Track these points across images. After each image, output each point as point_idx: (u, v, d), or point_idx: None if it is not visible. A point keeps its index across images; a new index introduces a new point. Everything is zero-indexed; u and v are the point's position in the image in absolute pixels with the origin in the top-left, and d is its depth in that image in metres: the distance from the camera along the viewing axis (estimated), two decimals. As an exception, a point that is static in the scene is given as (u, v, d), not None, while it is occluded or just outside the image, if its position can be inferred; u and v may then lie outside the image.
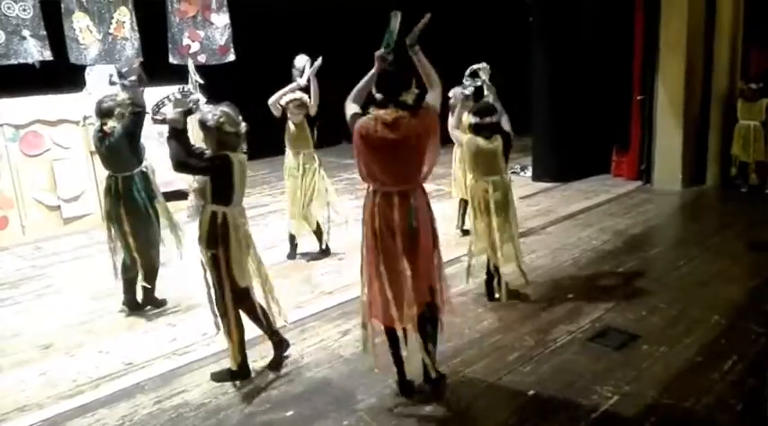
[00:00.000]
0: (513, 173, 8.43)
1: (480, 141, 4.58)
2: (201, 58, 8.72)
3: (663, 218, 7.19)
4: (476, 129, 4.59)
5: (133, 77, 4.74)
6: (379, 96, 3.34)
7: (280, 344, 4.08)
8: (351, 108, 3.42)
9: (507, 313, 4.67)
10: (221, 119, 3.66)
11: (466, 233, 6.78)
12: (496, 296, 4.80)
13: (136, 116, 4.69)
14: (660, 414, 3.33)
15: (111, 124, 4.73)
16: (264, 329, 4.01)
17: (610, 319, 4.48)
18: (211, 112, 3.68)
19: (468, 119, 4.77)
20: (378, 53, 3.35)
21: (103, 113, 4.76)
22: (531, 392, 3.60)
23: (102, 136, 4.78)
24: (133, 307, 5.06)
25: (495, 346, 4.17)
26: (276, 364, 4.04)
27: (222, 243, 3.68)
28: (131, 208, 4.79)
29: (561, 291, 5.02)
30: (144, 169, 4.88)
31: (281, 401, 3.66)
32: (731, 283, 4.98)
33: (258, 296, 3.95)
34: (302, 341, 4.41)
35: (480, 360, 3.98)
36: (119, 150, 4.79)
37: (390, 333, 3.56)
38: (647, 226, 6.78)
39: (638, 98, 8.47)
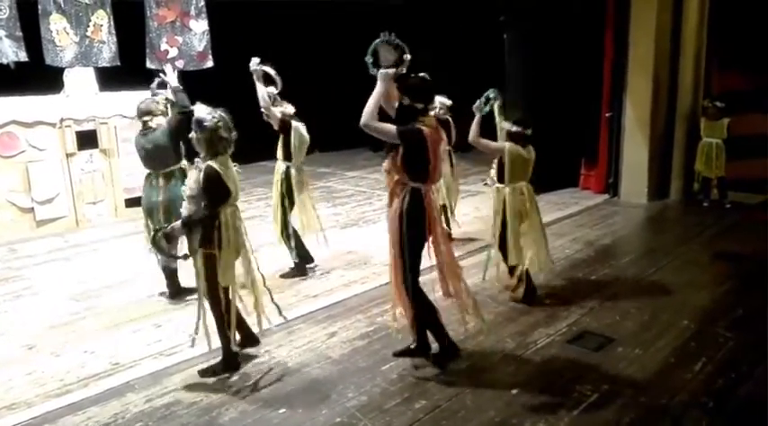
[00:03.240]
0: (484, 184, 8.68)
1: (521, 149, 4.85)
2: (179, 64, 8.71)
3: (631, 230, 7.48)
4: (516, 138, 4.86)
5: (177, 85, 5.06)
6: (419, 106, 3.73)
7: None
8: (385, 126, 3.69)
9: (489, 316, 4.79)
10: (219, 123, 3.79)
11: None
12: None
13: (182, 115, 4.87)
14: (637, 411, 3.51)
15: (157, 121, 5.10)
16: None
17: (586, 323, 4.67)
18: (210, 114, 3.81)
19: (505, 127, 4.96)
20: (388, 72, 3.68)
21: (143, 112, 5.11)
22: (515, 390, 3.75)
23: (145, 132, 5.10)
24: (174, 295, 5.30)
25: (479, 347, 4.32)
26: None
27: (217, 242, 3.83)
28: (168, 203, 5.03)
29: (538, 297, 5.20)
30: (183, 166, 5.17)
31: (273, 399, 3.73)
32: (699, 290, 5.24)
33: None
34: (290, 342, 4.48)
35: (464, 361, 4.11)
36: (162, 145, 5.08)
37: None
38: (616, 237, 7.05)
39: (607, 115, 8.79)
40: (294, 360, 4.21)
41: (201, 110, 3.86)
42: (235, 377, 4.00)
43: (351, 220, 8.07)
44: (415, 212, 3.76)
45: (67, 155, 7.84)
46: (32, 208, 7.65)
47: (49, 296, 5.58)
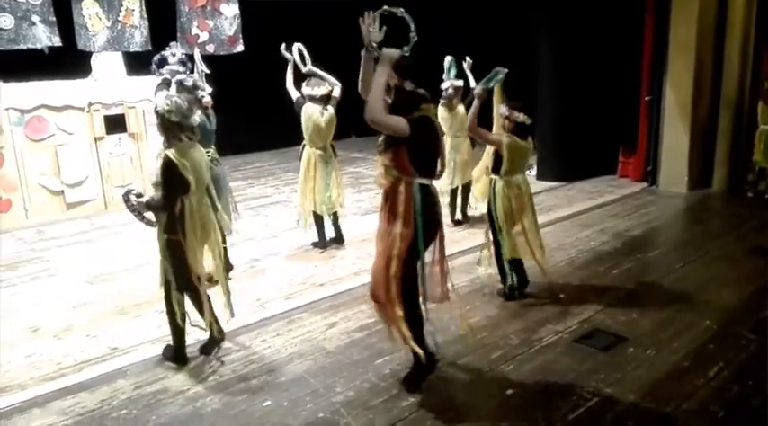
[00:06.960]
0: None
1: (520, 141, 4.57)
2: (210, 48, 8.73)
3: (665, 221, 7.09)
4: (518, 131, 4.56)
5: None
6: (422, 91, 3.44)
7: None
8: (395, 119, 3.33)
9: (496, 311, 4.63)
10: (169, 108, 3.73)
11: (458, 223, 6.83)
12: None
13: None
14: (637, 418, 3.28)
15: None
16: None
17: (599, 320, 4.42)
18: (166, 98, 3.78)
19: (502, 111, 4.60)
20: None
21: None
22: (510, 391, 3.56)
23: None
24: None
25: (480, 344, 4.12)
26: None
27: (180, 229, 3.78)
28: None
29: (553, 291, 4.94)
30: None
31: (260, 391, 3.65)
32: (727, 288, 4.90)
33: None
34: (288, 332, 4.40)
35: (462, 357, 3.94)
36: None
37: None
38: (647, 228, 6.69)
39: (646, 99, 8.36)
40: (288, 351, 4.13)
41: (160, 96, 3.83)
42: (227, 366, 3.95)
43: (373, 207, 7.92)
44: (427, 211, 3.43)
45: (96, 139, 7.95)
46: (62, 191, 7.79)
47: (64, 278, 5.67)
